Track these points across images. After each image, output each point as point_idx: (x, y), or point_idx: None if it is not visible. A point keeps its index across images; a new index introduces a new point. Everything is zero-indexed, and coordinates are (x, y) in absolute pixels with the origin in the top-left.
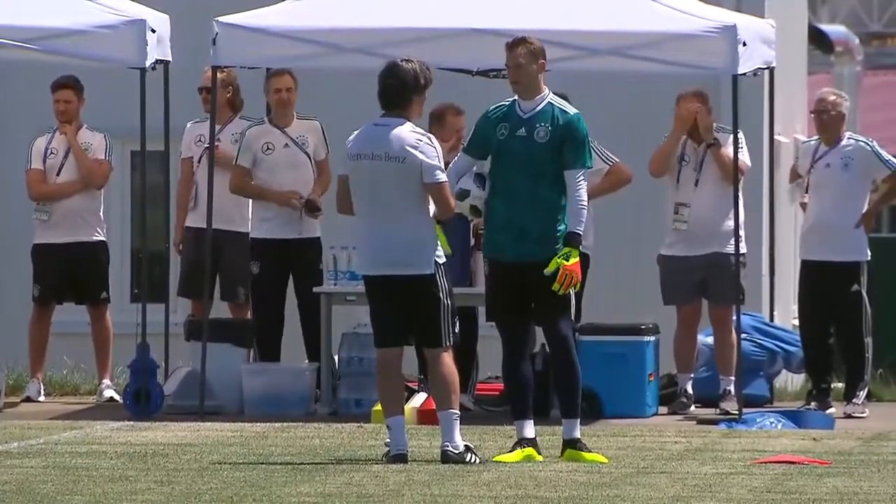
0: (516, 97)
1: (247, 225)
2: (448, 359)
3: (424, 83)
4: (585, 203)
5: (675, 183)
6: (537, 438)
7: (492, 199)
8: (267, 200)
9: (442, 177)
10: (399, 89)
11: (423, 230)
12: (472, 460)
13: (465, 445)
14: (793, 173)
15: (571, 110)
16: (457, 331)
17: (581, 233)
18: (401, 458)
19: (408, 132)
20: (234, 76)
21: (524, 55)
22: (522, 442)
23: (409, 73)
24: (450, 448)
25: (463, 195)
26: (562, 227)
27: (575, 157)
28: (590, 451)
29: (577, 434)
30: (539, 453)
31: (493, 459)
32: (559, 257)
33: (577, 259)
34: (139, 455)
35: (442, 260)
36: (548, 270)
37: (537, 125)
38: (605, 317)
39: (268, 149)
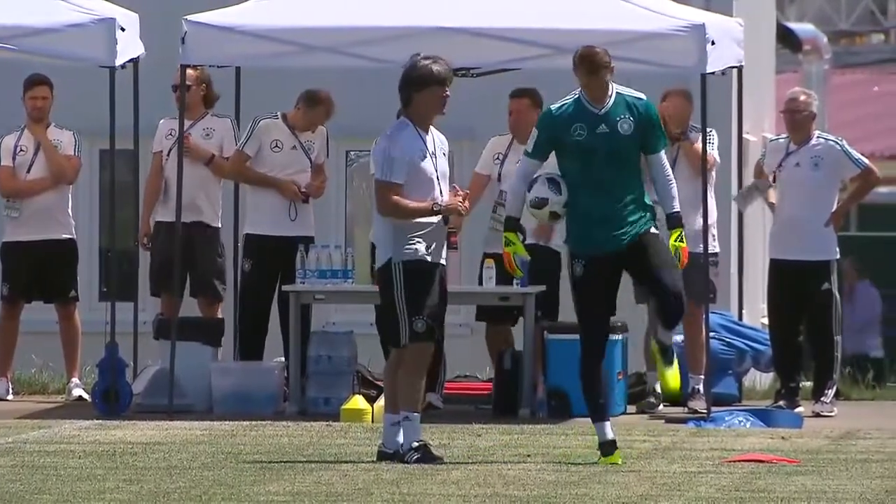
0: (579, 93)
1: (218, 220)
2: (405, 362)
3: (419, 79)
4: (674, 180)
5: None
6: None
7: (578, 197)
8: (267, 187)
9: (380, 174)
10: (399, 87)
11: (382, 227)
12: (413, 459)
13: (412, 446)
14: (758, 170)
15: (642, 96)
16: (418, 329)
17: (679, 209)
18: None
19: (386, 131)
20: (208, 74)
21: (606, 73)
22: (608, 444)
23: (405, 71)
24: (383, 448)
25: (541, 203)
26: (643, 208)
27: (658, 141)
28: (670, 366)
29: (668, 341)
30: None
31: (600, 461)
32: (673, 240)
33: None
34: (108, 454)
35: (404, 258)
36: None
37: (618, 118)
38: (574, 315)
39: (276, 146)
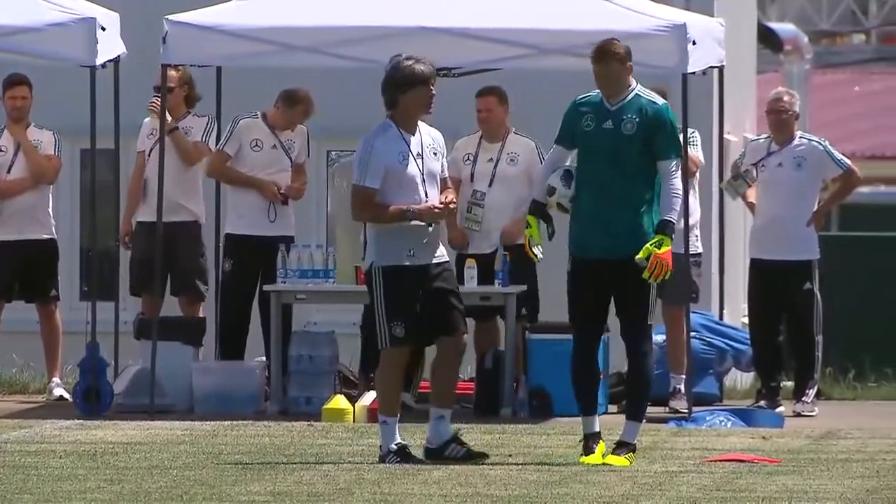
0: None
1: (201, 219)
2: (381, 367)
3: (404, 80)
4: (680, 193)
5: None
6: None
7: (580, 194)
8: (248, 187)
9: (356, 179)
10: (382, 89)
11: (368, 230)
12: (393, 462)
13: (390, 449)
14: (734, 170)
15: (659, 100)
16: (396, 334)
17: (674, 221)
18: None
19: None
20: (190, 74)
21: (616, 66)
22: (593, 437)
23: (387, 73)
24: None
25: (550, 192)
26: (649, 222)
27: (668, 147)
28: (621, 456)
29: (631, 439)
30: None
31: (582, 461)
32: (651, 244)
33: (670, 247)
34: (89, 454)
35: (384, 263)
36: (639, 257)
37: (624, 117)
38: (556, 315)
39: (256, 145)
